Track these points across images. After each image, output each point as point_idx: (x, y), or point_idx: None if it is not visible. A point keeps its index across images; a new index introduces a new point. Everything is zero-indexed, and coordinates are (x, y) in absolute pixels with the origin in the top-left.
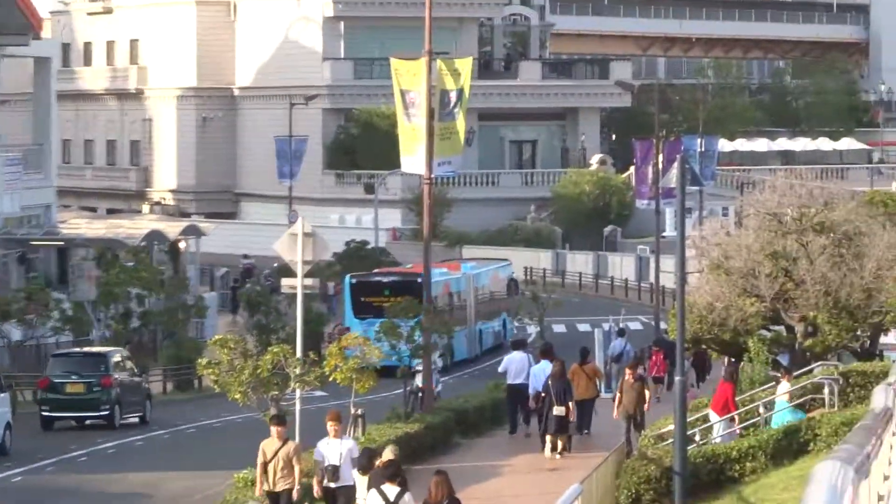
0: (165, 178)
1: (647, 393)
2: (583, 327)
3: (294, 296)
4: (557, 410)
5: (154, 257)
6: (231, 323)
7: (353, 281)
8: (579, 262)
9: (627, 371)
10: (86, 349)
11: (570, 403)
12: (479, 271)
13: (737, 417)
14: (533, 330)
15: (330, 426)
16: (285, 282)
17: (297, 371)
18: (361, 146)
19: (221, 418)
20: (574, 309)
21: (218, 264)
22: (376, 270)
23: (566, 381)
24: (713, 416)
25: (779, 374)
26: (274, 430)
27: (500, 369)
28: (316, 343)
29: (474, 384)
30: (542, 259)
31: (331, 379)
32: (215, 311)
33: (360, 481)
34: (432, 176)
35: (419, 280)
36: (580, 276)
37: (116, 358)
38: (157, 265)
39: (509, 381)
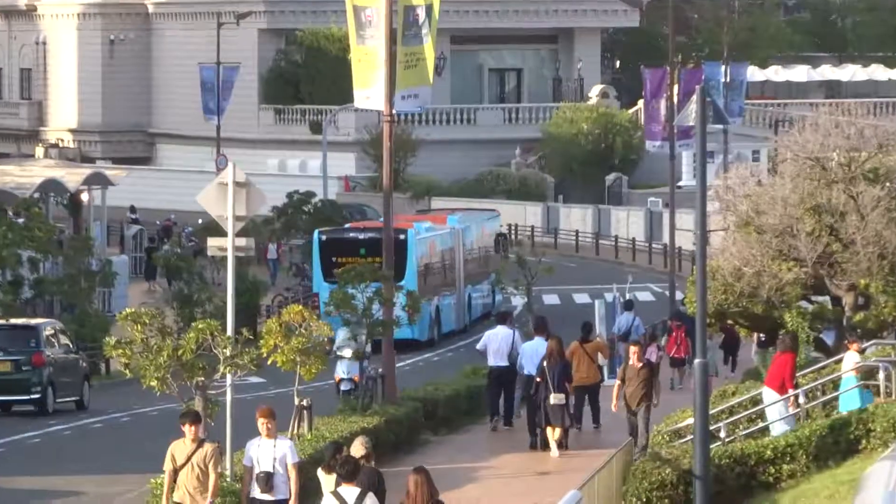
0: (64, 115)
1: (657, 384)
2: (580, 298)
3: (223, 260)
4: (556, 398)
5: (50, 212)
6: (147, 293)
7: (323, 238)
8: (575, 219)
9: (632, 351)
10: (12, 321)
11: (568, 385)
12: (468, 225)
13: (800, 396)
14: (519, 301)
15: (262, 424)
16: (212, 242)
17: (228, 352)
18: (306, 76)
19: (132, 410)
20: (569, 276)
21: (129, 221)
22: (350, 225)
23: (565, 362)
24: (769, 395)
25: (833, 351)
26: (186, 429)
27: (478, 347)
28: (252, 318)
29: (464, 361)
30: (529, 214)
31: (269, 362)
32: (126, 278)
33: (326, 481)
34: (394, 112)
35: (403, 236)
36: (577, 236)
37: (49, 331)
38: (54, 222)
39: (491, 363)
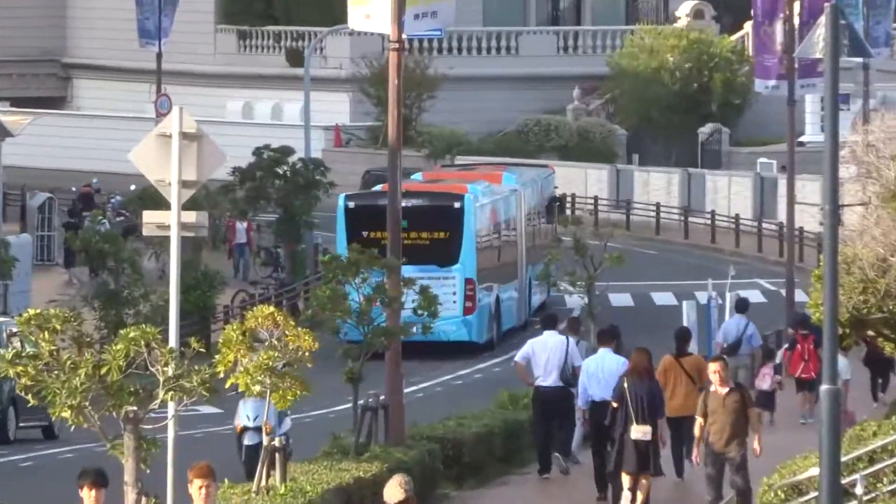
0: None
1: (753, 415)
2: (662, 299)
3: (165, 242)
4: (640, 432)
5: None
6: (66, 286)
7: (351, 205)
8: (656, 187)
9: (712, 370)
10: None
11: (661, 420)
12: (528, 186)
13: None
14: (576, 303)
15: (197, 489)
16: (149, 218)
17: (171, 371)
18: None
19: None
20: (646, 267)
21: (35, 185)
22: (383, 187)
23: (655, 382)
24: None
25: None
26: (87, 495)
27: (517, 358)
28: (205, 324)
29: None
30: (591, 181)
31: (228, 385)
32: (29, 266)
33: None
34: (404, 37)
35: (458, 204)
36: (657, 211)
37: (10, 332)
38: None
39: (538, 383)
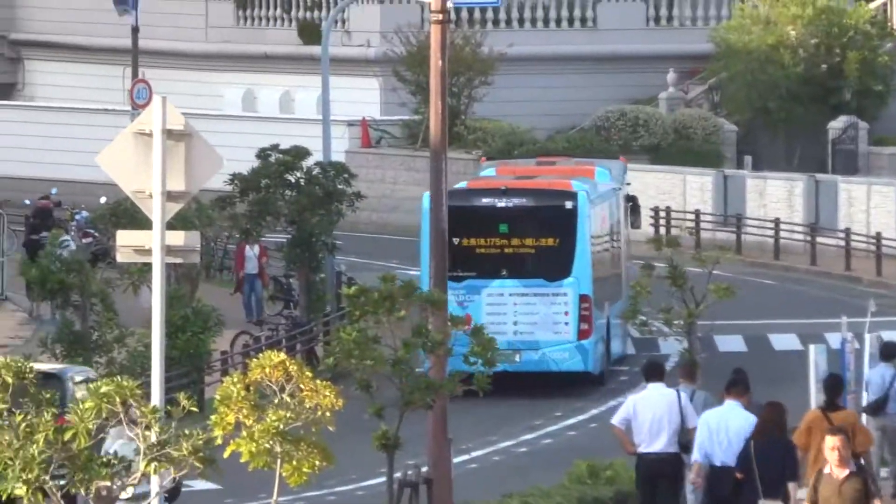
0: None
1: None
2: (782, 341)
3: (143, 271)
4: None
5: None
6: (19, 326)
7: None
8: (774, 198)
9: (829, 445)
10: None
11: (793, 484)
12: (619, 183)
13: None
14: (673, 347)
15: None
16: (125, 239)
17: (153, 437)
18: None
19: None
20: (761, 300)
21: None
22: (471, 183)
23: (788, 443)
24: None
25: None
26: None
27: (614, 421)
28: (198, 374)
29: None
30: (691, 189)
31: (227, 455)
32: None
33: None
34: (449, 5)
35: (570, 204)
36: (776, 229)
37: (79, 379)
38: None
39: (642, 450)
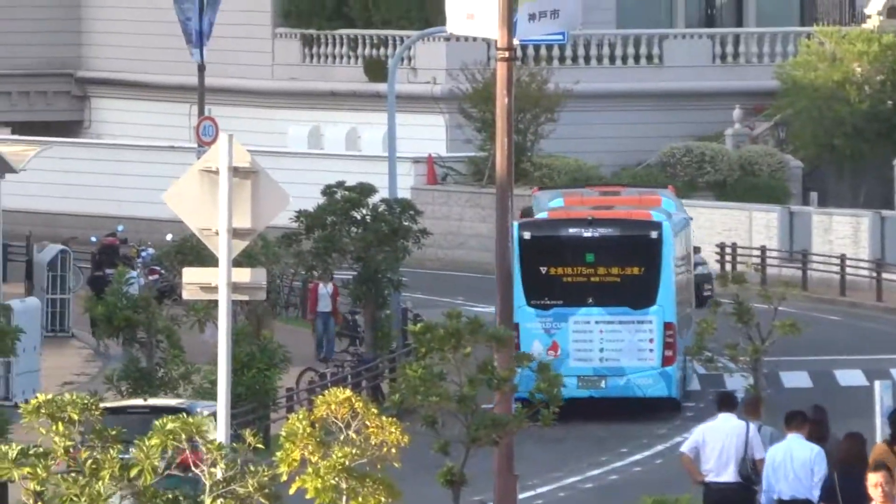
0: None
1: None
2: (848, 377)
3: (209, 308)
4: None
5: None
6: (85, 363)
7: (527, 235)
8: (841, 234)
9: (872, 482)
10: (152, 401)
11: None
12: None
13: None
14: (738, 380)
15: None
16: (191, 276)
17: (219, 473)
18: None
19: None
20: (828, 336)
21: (43, 235)
22: (553, 214)
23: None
24: None
25: None
26: None
27: (684, 450)
28: (264, 411)
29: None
30: (757, 226)
31: (293, 492)
32: (38, 337)
33: None
34: (516, 43)
35: (655, 233)
36: (842, 265)
37: (207, 413)
38: None
39: (710, 479)
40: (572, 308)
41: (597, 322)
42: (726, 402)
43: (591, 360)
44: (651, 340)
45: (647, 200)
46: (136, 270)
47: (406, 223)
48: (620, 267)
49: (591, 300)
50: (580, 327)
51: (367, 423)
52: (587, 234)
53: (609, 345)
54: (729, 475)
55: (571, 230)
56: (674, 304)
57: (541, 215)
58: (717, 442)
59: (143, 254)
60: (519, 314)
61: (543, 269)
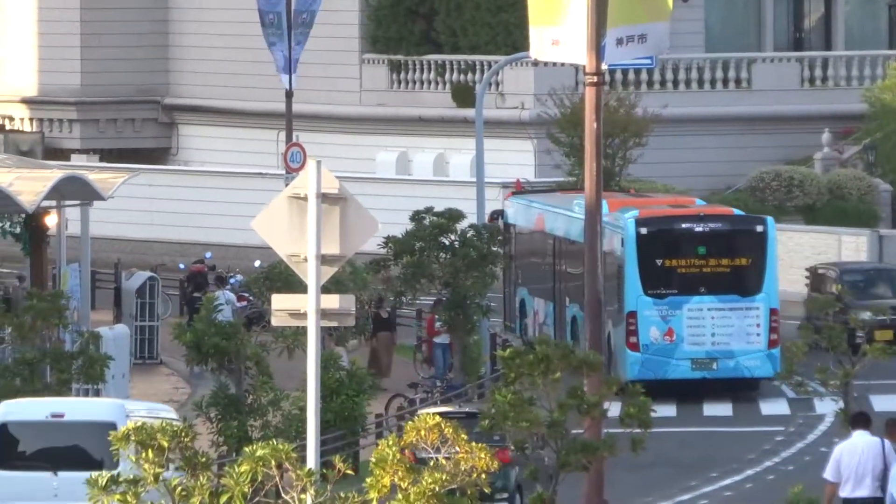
0: (11, 73)
1: None
2: None
3: (297, 335)
4: None
5: None
6: (174, 390)
7: (644, 230)
8: None
9: None
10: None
11: None
12: None
13: None
14: (828, 403)
15: None
16: (280, 303)
17: (310, 499)
18: (445, 2)
19: None
20: None
21: (131, 262)
22: (666, 211)
23: None
24: None
25: None
26: None
27: (828, 476)
28: (353, 437)
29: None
30: (846, 250)
31: None
32: (127, 364)
33: None
34: (604, 68)
35: (761, 228)
36: None
37: None
38: None
39: (846, 495)
40: (686, 296)
41: (709, 309)
42: (861, 420)
43: (703, 343)
44: (758, 325)
45: (681, 202)
46: (228, 291)
47: (494, 248)
48: (730, 258)
49: (703, 289)
50: (693, 314)
51: (457, 448)
52: (699, 228)
53: (720, 330)
54: (865, 490)
55: (684, 225)
56: (777, 293)
57: (631, 214)
58: (853, 458)
59: (232, 280)
60: (637, 303)
61: (659, 262)
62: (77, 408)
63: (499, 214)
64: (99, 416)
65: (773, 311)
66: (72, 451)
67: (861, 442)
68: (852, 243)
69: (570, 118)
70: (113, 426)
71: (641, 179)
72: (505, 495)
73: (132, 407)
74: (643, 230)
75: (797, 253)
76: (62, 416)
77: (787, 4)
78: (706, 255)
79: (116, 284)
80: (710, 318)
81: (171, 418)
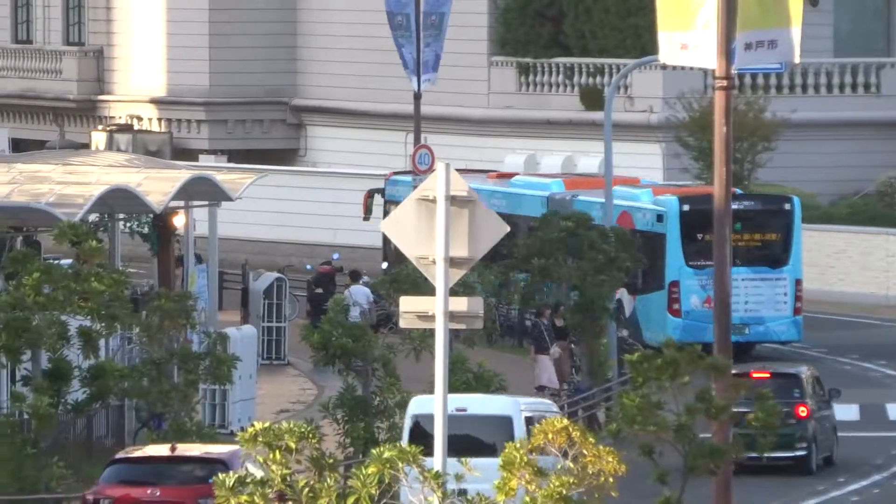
0: (140, 75)
1: None
2: None
3: (425, 337)
4: None
5: (118, 248)
6: (307, 390)
7: (686, 207)
8: None
9: None
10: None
11: None
12: None
13: None
14: None
15: None
16: (408, 305)
17: (436, 500)
18: (574, 5)
19: None
20: None
21: (259, 263)
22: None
23: None
24: None
25: None
26: None
27: None
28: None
29: None
30: None
31: None
32: (255, 365)
33: None
34: (733, 72)
35: (787, 206)
36: None
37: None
38: (125, 265)
39: None
40: None
41: (742, 279)
42: None
43: (737, 310)
44: (785, 294)
45: (699, 190)
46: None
47: (621, 253)
48: (762, 233)
49: (737, 261)
50: None
51: (584, 452)
52: (735, 206)
53: (752, 298)
54: None
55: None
56: (802, 265)
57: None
58: None
59: (362, 280)
60: (680, 273)
61: (700, 236)
62: (477, 403)
63: (378, 192)
64: (497, 411)
65: (797, 282)
66: (473, 441)
67: None
68: None
69: (699, 122)
70: (509, 420)
71: (770, 183)
72: (804, 444)
73: (523, 402)
74: (685, 207)
75: None
76: (465, 410)
77: None
78: (741, 231)
79: (244, 285)
80: (743, 288)
81: (554, 412)
